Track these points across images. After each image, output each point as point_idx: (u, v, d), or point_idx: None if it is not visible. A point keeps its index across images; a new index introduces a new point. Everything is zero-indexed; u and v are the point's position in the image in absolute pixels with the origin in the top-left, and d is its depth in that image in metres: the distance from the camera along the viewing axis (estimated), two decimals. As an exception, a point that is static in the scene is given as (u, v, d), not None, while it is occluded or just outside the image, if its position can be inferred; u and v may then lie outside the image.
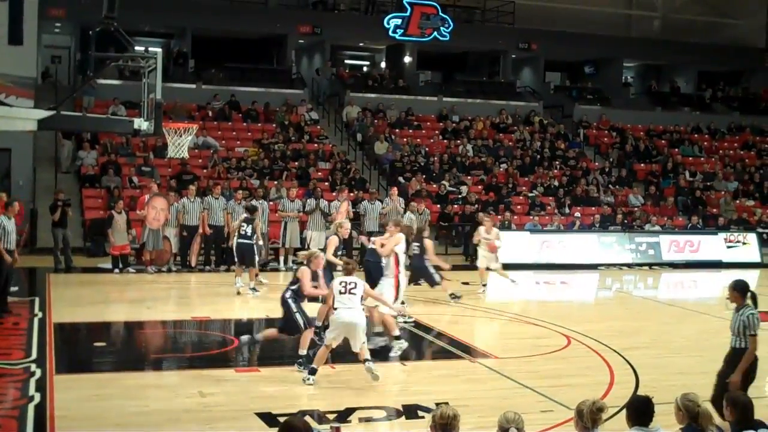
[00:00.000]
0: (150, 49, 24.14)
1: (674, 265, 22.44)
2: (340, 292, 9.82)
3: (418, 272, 15.32)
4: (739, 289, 8.09)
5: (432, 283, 15.20)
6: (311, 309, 11.20)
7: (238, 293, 15.82)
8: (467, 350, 11.80)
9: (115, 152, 23.42)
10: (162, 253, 18.84)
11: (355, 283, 9.90)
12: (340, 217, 19.80)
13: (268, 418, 8.40)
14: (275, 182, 22.65)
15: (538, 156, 28.00)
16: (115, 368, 10.67)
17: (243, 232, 15.97)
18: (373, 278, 12.25)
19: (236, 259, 16.27)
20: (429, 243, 15.34)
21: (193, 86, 27.34)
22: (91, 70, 12.61)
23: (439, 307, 15.24)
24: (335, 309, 9.85)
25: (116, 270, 18.24)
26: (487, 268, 16.87)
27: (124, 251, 18.59)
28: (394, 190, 21.26)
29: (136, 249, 19.09)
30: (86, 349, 11.97)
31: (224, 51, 30.45)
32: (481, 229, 17.01)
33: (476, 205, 23.51)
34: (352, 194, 22.09)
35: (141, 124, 10.94)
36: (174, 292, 17.17)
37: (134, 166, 22.86)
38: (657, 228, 23.78)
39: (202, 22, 28.60)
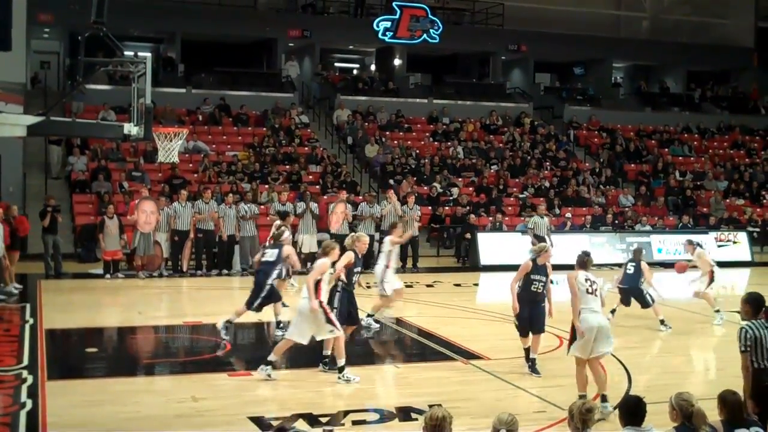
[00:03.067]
0: (139, 53, 24.09)
1: (665, 265, 22.46)
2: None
3: (631, 293, 14.35)
4: (751, 303, 7.30)
5: (644, 304, 14.26)
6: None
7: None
8: (460, 352, 11.80)
9: (105, 158, 23.34)
10: (153, 258, 18.79)
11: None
12: (335, 218, 19.71)
13: (261, 423, 8.40)
14: (266, 186, 22.61)
15: (529, 157, 28.03)
16: (106, 374, 10.66)
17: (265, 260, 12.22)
18: None
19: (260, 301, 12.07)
20: (646, 266, 14.38)
21: (183, 91, 27.27)
22: (81, 75, 12.56)
23: (431, 309, 15.25)
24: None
25: (107, 276, 18.18)
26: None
27: (116, 257, 18.52)
28: (392, 192, 21.12)
29: (127, 254, 19.04)
30: (78, 355, 11.94)
31: (214, 55, 30.39)
32: None
33: (467, 207, 23.51)
34: (348, 195, 21.76)
35: (131, 129, 10.89)
36: (165, 296, 17.13)
37: (125, 171, 22.79)
38: (648, 228, 23.84)
39: (192, 26, 28.54)
